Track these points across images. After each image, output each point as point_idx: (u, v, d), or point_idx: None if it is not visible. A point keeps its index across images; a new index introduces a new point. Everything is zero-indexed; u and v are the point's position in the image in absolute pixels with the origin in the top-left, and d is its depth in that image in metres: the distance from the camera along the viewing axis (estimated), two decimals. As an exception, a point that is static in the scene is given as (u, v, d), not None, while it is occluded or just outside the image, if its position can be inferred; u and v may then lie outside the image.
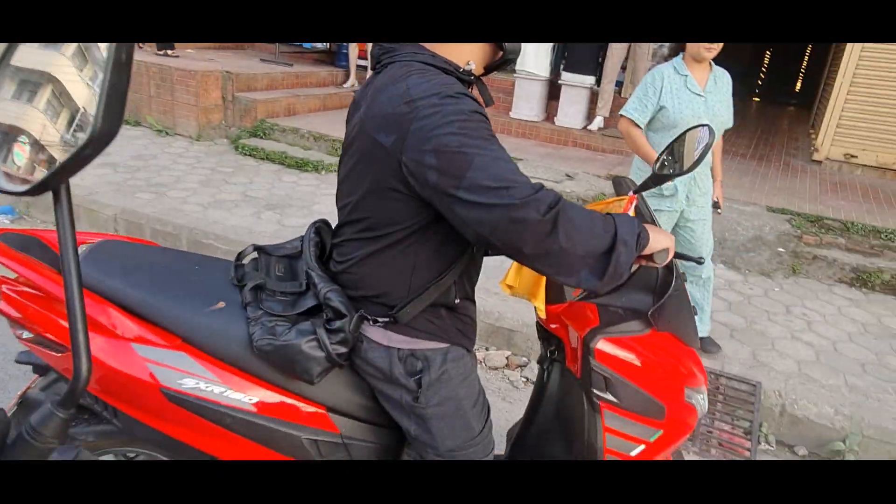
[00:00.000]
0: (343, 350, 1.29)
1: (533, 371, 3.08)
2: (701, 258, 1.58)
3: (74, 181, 0.80)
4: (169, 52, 6.65)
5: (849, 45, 6.31)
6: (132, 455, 1.52)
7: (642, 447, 1.50)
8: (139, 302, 1.32)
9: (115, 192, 4.45)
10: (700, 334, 3.07)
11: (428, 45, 1.23)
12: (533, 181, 1.10)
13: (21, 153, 0.80)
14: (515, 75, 6.71)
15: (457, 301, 1.34)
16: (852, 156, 6.39)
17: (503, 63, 1.32)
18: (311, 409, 1.36)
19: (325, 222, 1.48)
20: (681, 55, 2.84)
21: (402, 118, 1.11)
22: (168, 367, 1.29)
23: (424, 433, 1.34)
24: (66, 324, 1.15)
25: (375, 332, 1.32)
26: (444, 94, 1.12)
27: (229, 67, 6.40)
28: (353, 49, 7.35)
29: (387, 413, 1.41)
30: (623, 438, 1.50)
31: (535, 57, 6.45)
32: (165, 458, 1.48)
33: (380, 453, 1.46)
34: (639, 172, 2.95)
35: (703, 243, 2.99)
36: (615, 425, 1.48)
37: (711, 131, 1.48)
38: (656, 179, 1.52)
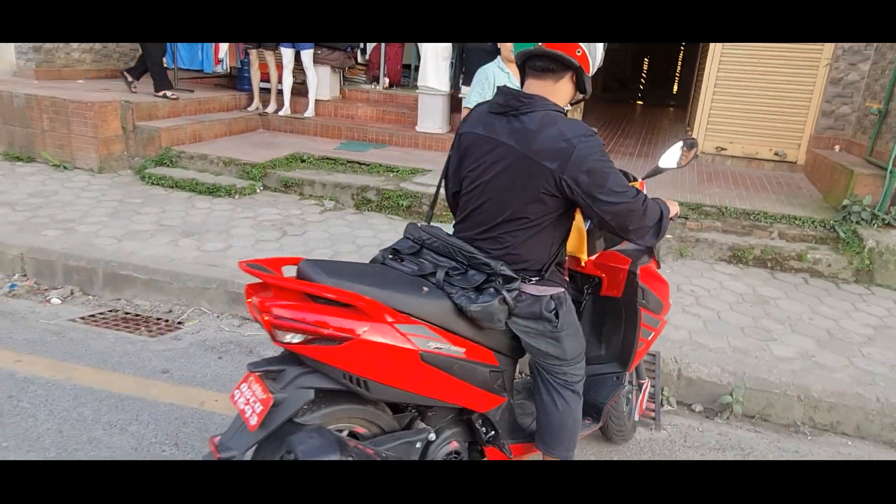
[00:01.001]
0: (515, 303, 1.89)
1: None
2: (687, 216, 2.51)
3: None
4: None
5: (711, 50, 7.10)
6: (341, 428, 1.84)
7: (653, 333, 2.42)
8: (381, 297, 1.74)
9: (18, 231, 4.29)
10: None
11: (547, 97, 1.87)
12: None
13: None
14: (418, 91, 7.00)
15: (565, 259, 2.07)
16: (722, 148, 7.16)
17: (580, 101, 2.05)
18: (485, 351, 1.99)
19: (416, 225, 2.10)
20: (498, 57, 3.42)
21: (563, 151, 1.77)
22: (420, 336, 1.80)
23: (558, 350, 2.00)
24: (344, 322, 1.66)
25: (530, 288, 1.94)
26: (587, 134, 1.80)
27: (128, 96, 6.27)
28: (256, 72, 7.36)
29: (514, 347, 2.07)
30: (647, 329, 2.36)
31: (435, 73, 6.77)
32: (363, 431, 1.88)
33: (511, 375, 2.13)
34: None
35: None
36: (645, 321, 2.34)
37: (696, 142, 2.28)
38: (656, 171, 2.35)
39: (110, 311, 3.74)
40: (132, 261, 3.96)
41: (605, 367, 2.41)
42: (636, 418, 2.67)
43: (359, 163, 6.11)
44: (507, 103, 1.88)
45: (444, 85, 6.85)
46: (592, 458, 2.68)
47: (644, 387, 2.64)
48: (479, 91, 3.36)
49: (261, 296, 1.70)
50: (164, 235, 4.45)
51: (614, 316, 2.39)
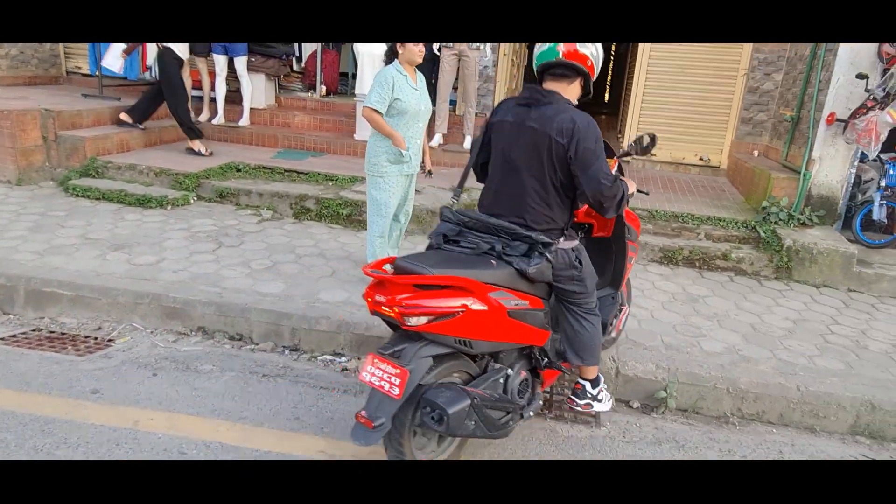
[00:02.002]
0: (555, 259, 2.46)
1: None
2: (647, 191, 3.32)
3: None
4: None
5: (638, 61, 7.39)
6: (449, 380, 2.34)
7: (633, 258, 3.18)
8: (471, 275, 2.23)
9: (-73, 249, 4.01)
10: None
11: (561, 92, 2.44)
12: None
13: None
14: (356, 99, 6.97)
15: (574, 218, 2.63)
16: (652, 154, 7.45)
17: (583, 97, 2.56)
18: (537, 299, 2.54)
19: (451, 209, 2.60)
20: (396, 60, 3.66)
21: (571, 130, 2.33)
22: (504, 298, 2.33)
23: (582, 288, 2.59)
24: (457, 300, 2.16)
25: (560, 244, 2.49)
26: (590, 121, 2.36)
27: (48, 105, 5.96)
28: (187, 79, 7.13)
29: (549, 292, 2.62)
30: (630, 255, 3.11)
31: (370, 80, 6.74)
32: (458, 381, 2.36)
33: (550, 314, 2.66)
34: (375, 149, 3.75)
35: (412, 194, 4.08)
36: (630, 249, 3.07)
37: (656, 136, 2.88)
38: (624, 154, 3.02)
39: (33, 330, 3.54)
40: (56, 276, 3.76)
41: (602, 292, 3.06)
42: (613, 335, 3.24)
43: (297, 171, 6.02)
44: (532, 96, 2.43)
45: (381, 93, 6.84)
46: (534, 455, 2.73)
47: (623, 311, 3.32)
48: (379, 92, 3.58)
49: (382, 293, 2.13)
50: (90, 249, 4.25)
51: (605, 251, 3.09)
